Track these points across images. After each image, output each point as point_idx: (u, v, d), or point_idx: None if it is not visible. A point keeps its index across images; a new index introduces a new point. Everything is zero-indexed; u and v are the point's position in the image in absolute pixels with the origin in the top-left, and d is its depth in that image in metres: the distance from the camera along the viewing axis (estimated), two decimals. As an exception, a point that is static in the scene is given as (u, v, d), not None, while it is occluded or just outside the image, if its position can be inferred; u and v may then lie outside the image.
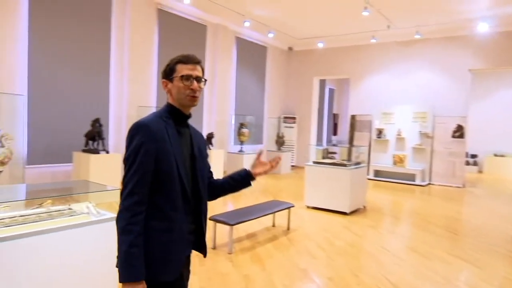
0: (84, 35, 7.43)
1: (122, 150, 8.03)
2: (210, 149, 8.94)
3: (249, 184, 1.89)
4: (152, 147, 1.49)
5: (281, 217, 5.81)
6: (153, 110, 8.17)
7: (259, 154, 1.91)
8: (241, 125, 10.39)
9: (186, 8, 9.43)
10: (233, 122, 11.04)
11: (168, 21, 9.16)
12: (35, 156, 6.71)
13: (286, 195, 8.12)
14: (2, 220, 2.49)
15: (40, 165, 6.82)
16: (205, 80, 1.70)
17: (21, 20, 6.55)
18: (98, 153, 6.52)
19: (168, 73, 1.64)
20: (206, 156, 1.83)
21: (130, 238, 1.42)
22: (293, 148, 13.03)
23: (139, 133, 1.50)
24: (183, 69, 1.62)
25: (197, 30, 10.01)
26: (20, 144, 6.20)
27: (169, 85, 1.64)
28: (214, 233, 4.52)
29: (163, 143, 1.53)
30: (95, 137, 6.59)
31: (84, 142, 6.68)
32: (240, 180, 1.88)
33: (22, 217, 2.64)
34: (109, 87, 8.00)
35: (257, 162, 1.89)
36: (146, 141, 1.48)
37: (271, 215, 5.38)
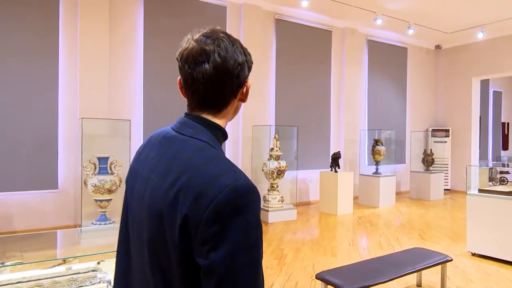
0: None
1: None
2: (336, 171, 7.56)
3: None
4: None
5: (431, 270, 4.06)
6: (271, 129, 7.34)
7: None
8: (376, 142, 8.68)
9: (306, 14, 8.45)
10: (366, 139, 9.40)
11: (287, 31, 8.32)
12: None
13: (438, 233, 6.09)
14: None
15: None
16: None
17: (136, 48, 6.58)
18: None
19: (250, 69, 0.96)
20: None
21: None
22: (446, 167, 10.47)
23: (255, 204, 0.81)
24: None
25: (320, 37, 8.88)
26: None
27: (245, 90, 0.95)
28: (325, 297, 3.17)
29: None
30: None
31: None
32: None
33: (34, 282, 1.88)
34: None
35: None
36: (259, 215, 0.83)
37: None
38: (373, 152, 8.65)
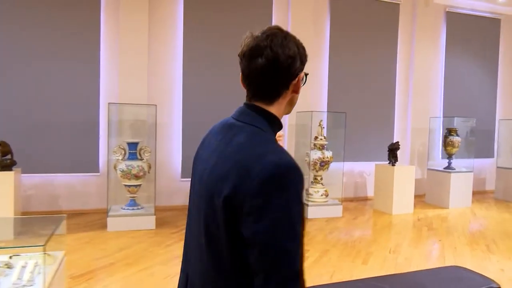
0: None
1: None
2: (394, 164, 6.59)
3: None
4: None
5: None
6: (312, 115, 6.62)
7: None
8: (449, 132, 7.39)
9: (366, -15, 7.47)
10: (440, 128, 8.09)
11: (343, 6, 7.45)
12: (189, 169, 6.45)
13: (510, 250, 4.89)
14: None
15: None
16: None
17: (176, 36, 6.45)
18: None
19: (303, 62, 1.03)
20: None
21: None
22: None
23: (297, 182, 0.89)
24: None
25: (385, 11, 7.80)
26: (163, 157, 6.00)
27: (299, 83, 1.04)
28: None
29: None
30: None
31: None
32: None
33: None
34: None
35: None
36: (302, 195, 0.90)
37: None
38: (445, 143, 7.37)
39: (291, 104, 1.07)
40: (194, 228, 1.04)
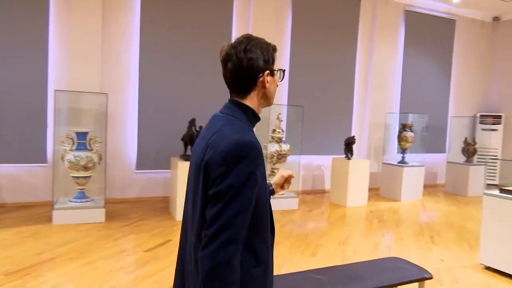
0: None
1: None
2: (349, 158, 6.72)
3: None
4: (260, 175, 1.16)
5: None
6: (270, 109, 6.63)
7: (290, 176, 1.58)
8: (403, 127, 7.62)
9: (328, -20, 7.51)
10: (396, 123, 8.33)
11: (302, 0, 7.47)
12: (144, 160, 6.27)
13: (457, 237, 5.12)
14: None
15: (149, 171, 6.35)
16: None
17: (133, 19, 6.22)
18: (188, 160, 5.49)
19: (268, 62, 1.26)
20: None
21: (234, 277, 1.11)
22: (494, 160, 9.04)
23: (252, 157, 1.14)
24: (275, 60, 1.31)
25: (346, 7, 7.89)
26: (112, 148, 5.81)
27: (270, 79, 1.27)
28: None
29: (264, 165, 1.21)
30: (187, 142, 5.58)
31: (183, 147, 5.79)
32: None
33: None
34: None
35: (284, 181, 1.57)
36: (256, 168, 1.14)
37: None
38: (400, 138, 7.61)
39: (265, 97, 1.29)
40: (189, 202, 1.29)
